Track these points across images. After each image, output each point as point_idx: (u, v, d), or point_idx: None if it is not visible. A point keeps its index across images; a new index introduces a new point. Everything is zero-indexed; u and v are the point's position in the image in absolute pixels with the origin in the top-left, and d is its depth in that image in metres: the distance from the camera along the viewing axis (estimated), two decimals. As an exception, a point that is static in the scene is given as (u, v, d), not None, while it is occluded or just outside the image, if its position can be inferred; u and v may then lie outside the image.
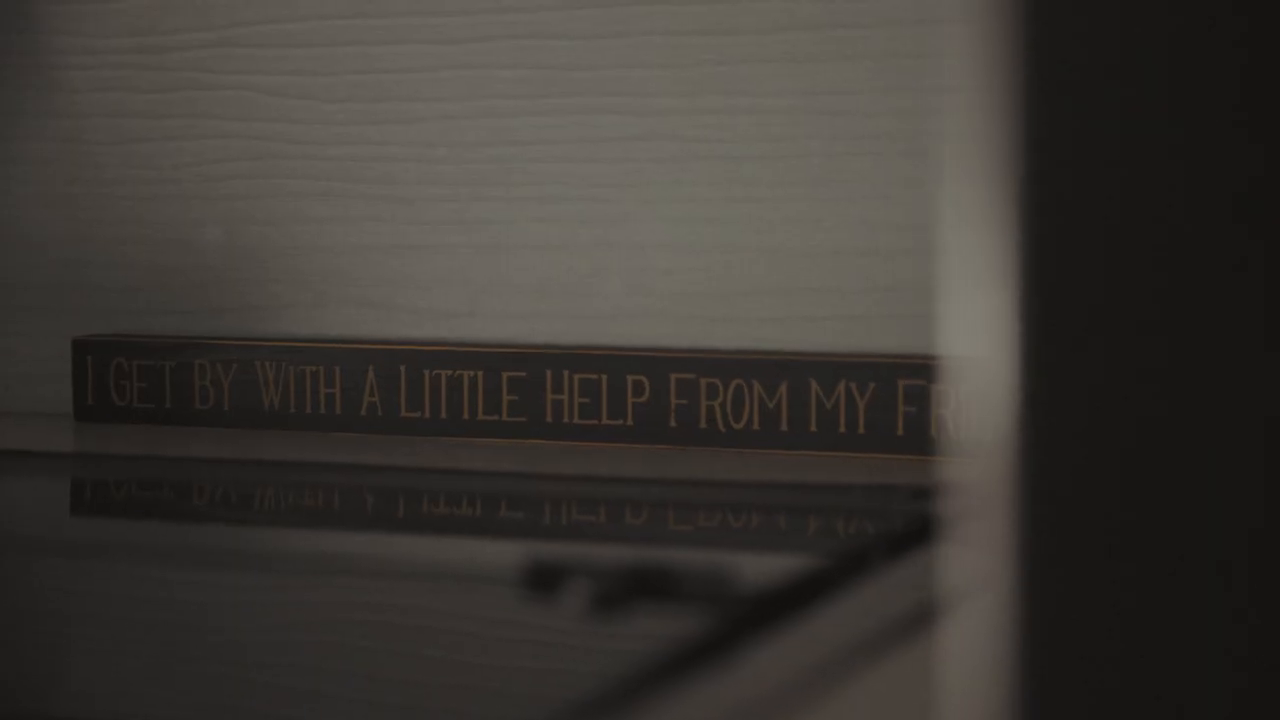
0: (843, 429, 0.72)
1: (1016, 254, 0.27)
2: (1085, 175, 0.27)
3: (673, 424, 0.74)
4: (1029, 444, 0.27)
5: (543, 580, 0.48)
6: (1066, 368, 0.27)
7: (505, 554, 0.63)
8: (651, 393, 0.75)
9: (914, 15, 0.74)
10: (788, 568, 0.51)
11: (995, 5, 0.27)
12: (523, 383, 0.76)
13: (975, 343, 0.27)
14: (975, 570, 0.28)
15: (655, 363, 0.75)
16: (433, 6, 0.80)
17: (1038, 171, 0.27)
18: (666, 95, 0.77)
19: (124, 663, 0.49)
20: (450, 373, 0.77)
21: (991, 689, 0.27)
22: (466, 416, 0.77)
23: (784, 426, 0.73)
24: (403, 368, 0.78)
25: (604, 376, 0.75)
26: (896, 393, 0.72)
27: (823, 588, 0.49)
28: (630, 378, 0.75)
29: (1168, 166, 0.26)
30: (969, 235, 0.27)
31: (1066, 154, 0.27)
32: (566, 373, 0.76)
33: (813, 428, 0.73)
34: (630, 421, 0.75)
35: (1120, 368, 0.27)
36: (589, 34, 0.78)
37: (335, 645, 0.51)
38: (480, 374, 0.77)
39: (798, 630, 0.46)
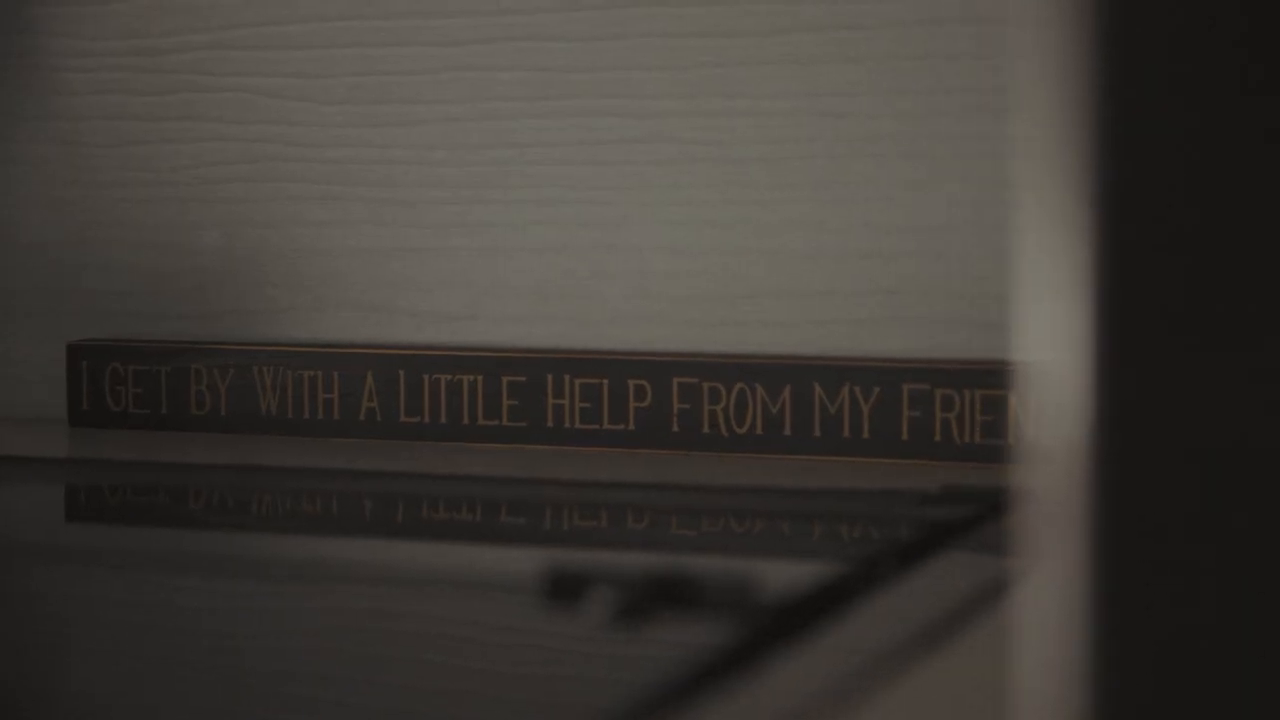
0: (846, 433, 0.72)
1: (1091, 259, 0.26)
2: (1162, 179, 0.26)
3: (675, 429, 0.74)
4: (1104, 452, 0.26)
5: (564, 589, 0.48)
6: (1142, 375, 0.26)
7: (506, 560, 0.63)
8: (653, 397, 0.74)
9: (917, 16, 0.74)
10: (808, 575, 0.51)
11: (1070, 6, 0.26)
12: (523, 387, 0.76)
13: (1049, 349, 0.27)
14: (1046, 579, 0.27)
15: (657, 367, 0.74)
16: (432, 8, 0.79)
17: (1113, 175, 0.26)
18: (667, 97, 0.77)
19: (120, 669, 0.49)
20: (450, 377, 0.77)
21: (1063, 700, 0.27)
22: (466, 421, 0.77)
23: (787, 431, 0.73)
24: (402, 372, 0.77)
25: (605, 381, 0.75)
26: (901, 397, 0.71)
27: (846, 595, 0.48)
28: (632, 382, 0.74)
29: (1247, 170, 0.26)
30: (1043, 241, 0.27)
31: (1142, 157, 0.26)
32: (567, 377, 0.75)
33: (816, 432, 0.72)
34: (632, 426, 0.74)
35: (1196, 374, 0.26)
36: (588, 36, 0.77)
37: (334, 651, 0.50)
38: (480, 378, 0.76)
39: (826, 638, 0.45)
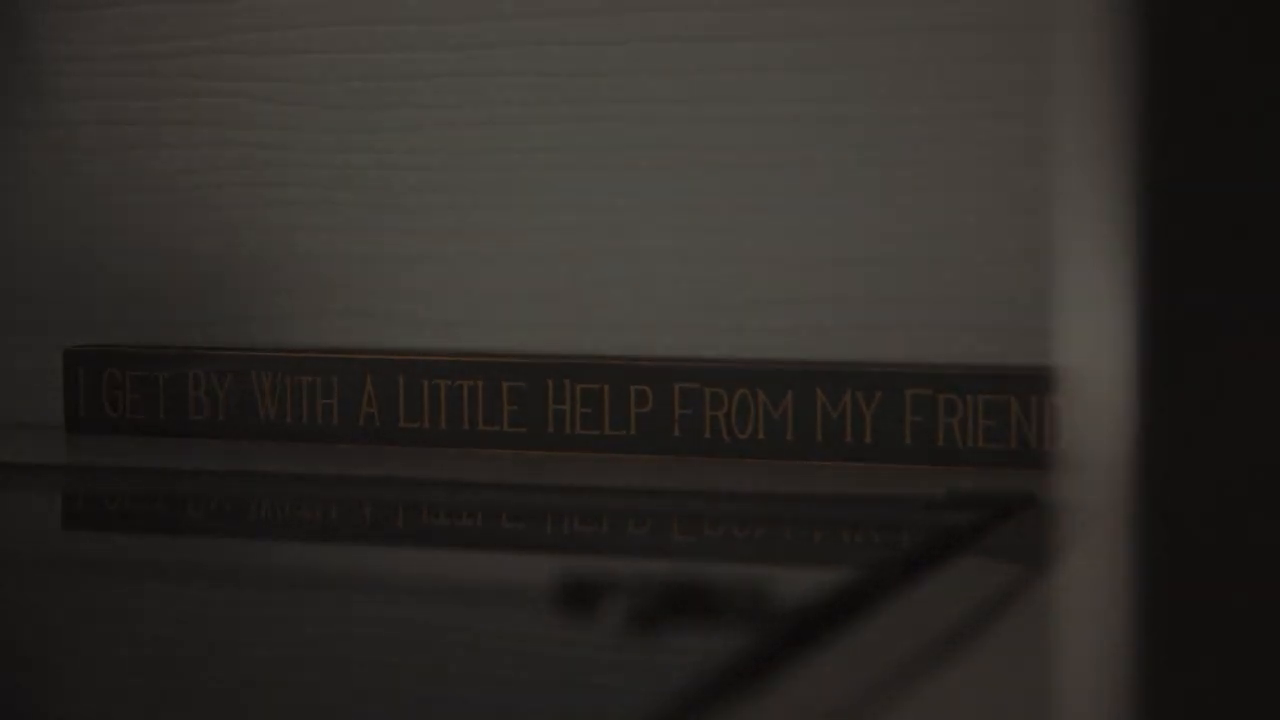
0: (849, 439, 0.72)
1: (1134, 267, 0.26)
2: (1209, 184, 0.26)
3: (676, 434, 0.74)
4: (1145, 462, 0.26)
5: (574, 596, 0.47)
6: (1184, 384, 0.26)
7: (506, 565, 0.62)
8: (655, 402, 0.74)
9: (920, 23, 0.73)
10: (816, 581, 0.50)
11: (1115, 8, 0.26)
12: (523, 392, 0.75)
13: (1090, 359, 0.27)
14: (1085, 589, 0.27)
15: (658, 372, 0.74)
16: (432, 13, 0.79)
17: (1156, 181, 0.26)
18: (669, 103, 0.77)
19: (116, 679, 0.48)
20: (450, 382, 0.77)
21: (1103, 711, 0.27)
22: (466, 427, 0.76)
23: (789, 436, 0.72)
24: (401, 378, 0.77)
25: (606, 386, 0.74)
26: (903, 402, 0.71)
27: (856, 601, 0.48)
28: (633, 387, 0.74)
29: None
30: (1085, 248, 0.27)
31: (1190, 162, 0.26)
32: (568, 382, 0.75)
33: (818, 438, 0.72)
34: (633, 431, 0.74)
35: (1243, 383, 0.26)
36: (591, 40, 0.77)
37: (334, 660, 0.50)
38: (480, 384, 0.76)
39: (836, 645, 0.45)
